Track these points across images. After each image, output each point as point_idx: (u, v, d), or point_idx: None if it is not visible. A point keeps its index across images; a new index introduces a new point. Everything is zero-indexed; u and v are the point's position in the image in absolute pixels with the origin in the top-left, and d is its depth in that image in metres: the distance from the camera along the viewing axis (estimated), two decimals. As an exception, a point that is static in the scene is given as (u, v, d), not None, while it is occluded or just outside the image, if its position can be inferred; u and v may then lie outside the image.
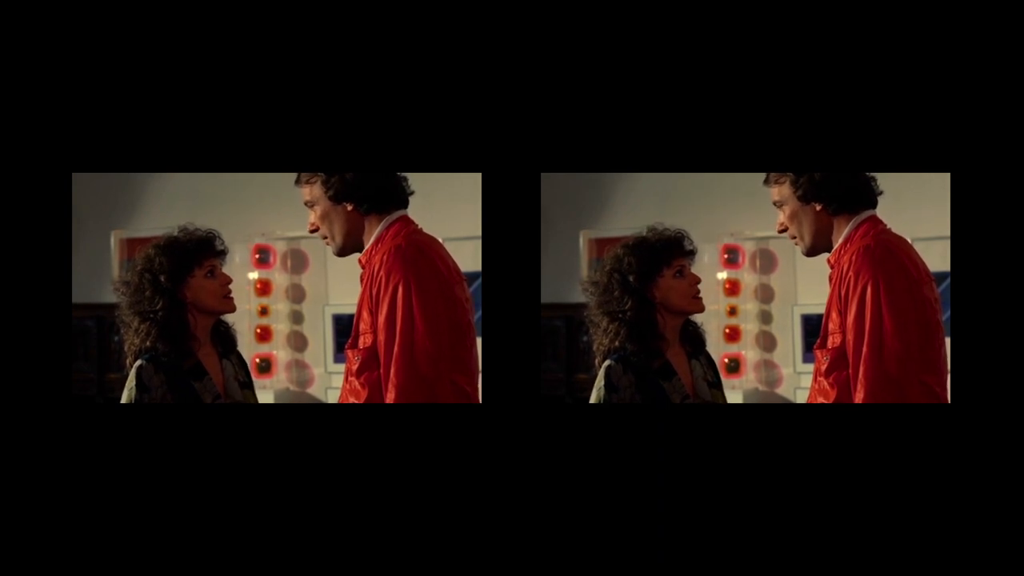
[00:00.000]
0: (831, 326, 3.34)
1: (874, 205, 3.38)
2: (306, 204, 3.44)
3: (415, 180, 3.46)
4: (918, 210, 4.23)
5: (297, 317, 5.34)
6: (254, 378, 3.66)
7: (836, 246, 3.37)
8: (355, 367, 3.36)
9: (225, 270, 3.52)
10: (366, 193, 3.39)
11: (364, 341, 3.36)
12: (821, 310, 3.40)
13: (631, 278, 3.40)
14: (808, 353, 5.01)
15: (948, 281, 3.61)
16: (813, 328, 4.85)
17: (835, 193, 3.35)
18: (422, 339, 3.30)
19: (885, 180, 3.40)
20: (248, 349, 5.14)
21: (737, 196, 5.02)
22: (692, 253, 3.47)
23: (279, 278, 5.33)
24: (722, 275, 5.21)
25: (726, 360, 5.14)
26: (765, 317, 5.20)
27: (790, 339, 5.15)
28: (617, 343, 3.39)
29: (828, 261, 3.39)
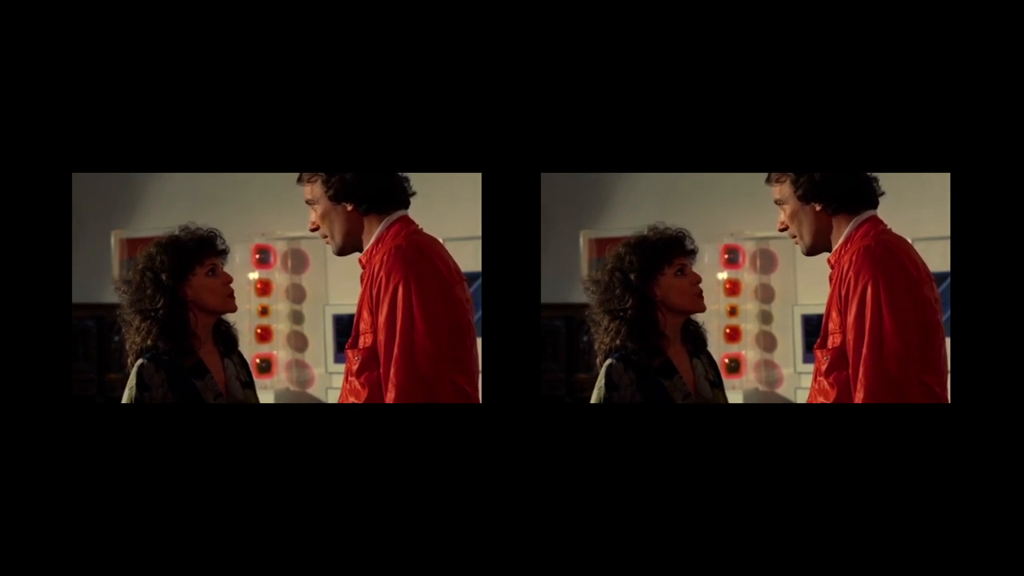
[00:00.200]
0: (831, 326, 3.34)
1: (875, 205, 3.38)
2: (307, 203, 3.44)
3: (415, 180, 3.46)
4: (918, 210, 4.23)
5: (297, 317, 5.33)
6: (254, 378, 3.66)
7: (836, 246, 3.37)
8: (355, 367, 3.36)
9: (225, 270, 3.52)
10: (366, 193, 3.39)
11: (364, 341, 3.36)
12: (821, 310, 3.40)
13: (632, 276, 3.41)
14: (808, 353, 5.01)
15: (948, 281, 3.61)
16: (813, 328, 4.85)
17: (835, 193, 3.35)
18: (422, 339, 3.30)
19: (885, 180, 3.40)
20: (248, 349, 5.14)
21: (737, 196, 5.02)
22: (693, 252, 3.47)
23: (279, 278, 5.32)
24: (722, 275, 5.21)
25: (726, 360, 5.13)
26: (765, 317, 5.20)
27: (790, 339, 5.14)
28: (618, 341, 3.40)
29: (828, 261, 3.39)
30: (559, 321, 5.20)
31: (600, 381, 3.40)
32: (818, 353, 3.37)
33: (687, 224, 3.52)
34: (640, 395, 3.39)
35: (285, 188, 3.66)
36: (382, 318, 3.32)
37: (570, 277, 5.22)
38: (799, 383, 5.09)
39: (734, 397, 5.01)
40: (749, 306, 5.21)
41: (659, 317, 3.42)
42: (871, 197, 3.38)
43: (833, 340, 3.33)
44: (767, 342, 5.19)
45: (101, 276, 5.28)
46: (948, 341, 3.39)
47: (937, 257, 3.86)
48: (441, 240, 3.46)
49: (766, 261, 5.19)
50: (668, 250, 3.44)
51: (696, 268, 3.49)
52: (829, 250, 3.39)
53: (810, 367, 3.51)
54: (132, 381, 3.42)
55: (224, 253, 3.53)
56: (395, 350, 3.30)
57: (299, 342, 5.32)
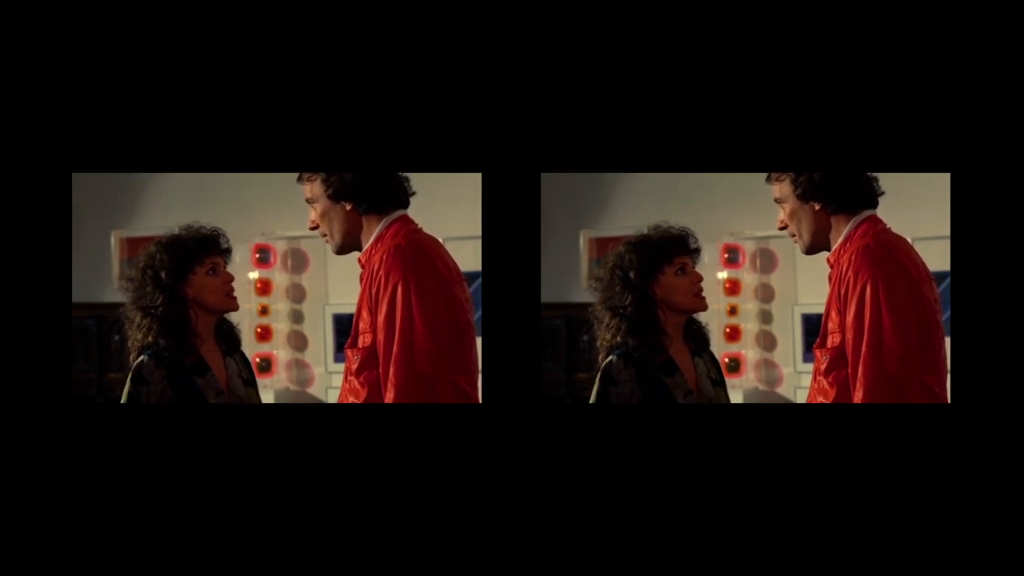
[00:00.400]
0: (831, 325, 3.34)
1: (874, 205, 3.38)
2: (307, 201, 3.45)
3: (415, 180, 3.46)
4: (918, 210, 4.23)
5: (297, 316, 5.34)
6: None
7: (836, 245, 3.37)
8: (355, 366, 3.36)
9: (227, 269, 3.53)
10: (365, 193, 3.39)
11: (364, 340, 3.36)
12: (821, 309, 3.40)
13: (631, 274, 3.42)
14: (808, 352, 5.01)
15: (948, 281, 3.61)
16: (813, 327, 4.85)
17: (833, 193, 3.35)
18: (421, 339, 3.30)
19: (885, 180, 3.40)
20: (248, 348, 5.10)
21: (737, 196, 5.02)
22: (696, 251, 3.48)
23: (279, 277, 5.33)
24: (722, 275, 5.21)
25: (726, 360, 5.13)
26: (765, 316, 5.20)
27: (790, 338, 5.15)
28: (619, 339, 3.41)
29: (828, 260, 3.39)
30: (559, 321, 5.20)
31: (598, 376, 3.41)
32: (817, 353, 3.37)
33: (686, 224, 3.52)
34: (640, 392, 3.39)
35: (285, 188, 3.66)
36: (381, 318, 3.32)
37: (570, 277, 5.22)
38: (799, 382, 5.09)
39: (734, 397, 5.00)
40: (749, 305, 5.21)
41: (659, 315, 3.42)
42: (870, 197, 3.38)
43: (832, 340, 3.33)
44: (767, 341, 5.19)
45: (101, 276, 5.28)
46: (948, 341, 3.39)
47: (937, 257, 3.86)
48: (441, 240, 3.46)
49: (766, 261, 5.19)
50: (669, 249, 3.45)
51: (696, 268, 3.49)
52: (828, 249, 3.39)
53: (810, 366, 3.51)
54: (129, 377, 3.43)
55: (227, 252, 3.54)
56: (394, 349, 3.30)
57: (299, 341, 5.32)
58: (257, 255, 5.29)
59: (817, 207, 3.37)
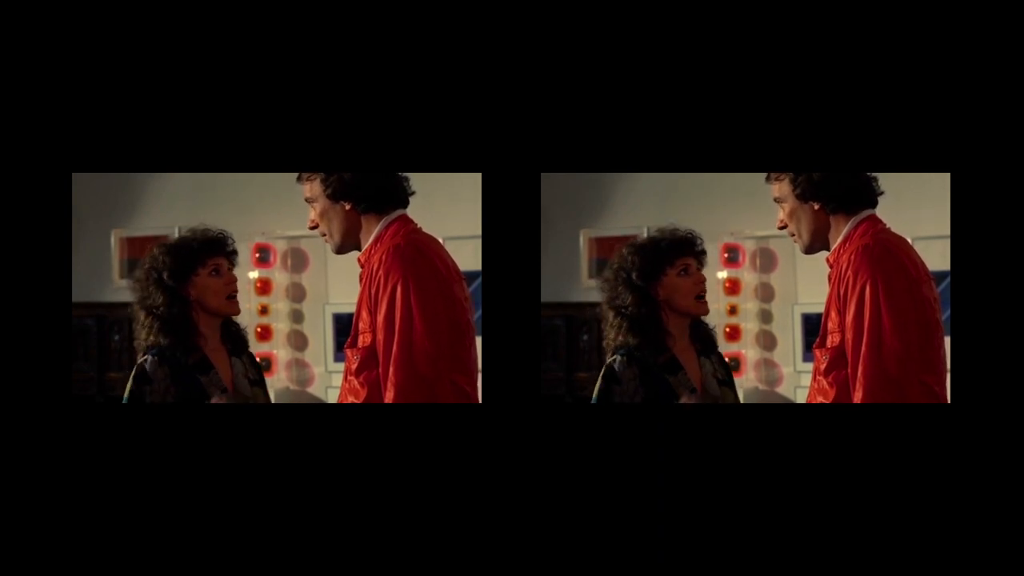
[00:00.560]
0: (830, 325, 3.34)
1: (873, 205, 3.38)
2: (307, 200, 3.45)
3: (415, 180, 3.46)
4: (918, 210, 4.23)
5: (297, 316, 5.34)
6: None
7: (835, 245, 3.37)
8: (354, 366, 3.36)
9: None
10: (364, 193, 3.39)
11: (363, 340, 3.36)
12: (821, 309, 3.41)
13: (633, 275, 3.45)
14: (808, 352, 5.01)
15: (948, 281, 3.61)
16: (813, 327, 4.84)
17: (833, 192, 3.35)
18: (421, 338, 3.30)
19: (885, 180, 3.40)
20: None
21: (737, 196, 5.02)
22: (702, 254, 3.50)
23: (279, 277, 5.33)
24: (722, 274, 5.21)
25: (726, 359, 5.14)
26: (765, 316, 5.20)
27: (790, 338, 5.15)
28: (622, 338, 3.43)
29: (827, 260, 3.39)
30: (559, 320, 5.20)
31: (601, 374, 3.42)
32: (817, 352, 3.37)
33: (686, 224, 3.53)
34: (643, 390, 3.40)
35: (285, 188, 3.66)
36: (381, 317, 3.32)
37: (570, 277, 5.22)
38: (799, 382, 5.09)
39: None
40: (749, 305, 5.21)
41: (662, 315, 3.44)
42: (870, 196, 3.38)
43: (832, 339, 3.33)
44: (767, 341, 5.19)
45: (101, 276, 5.28)
46: (948, 341, 3.39)
47: (937, 256, 3.86)
48: (441, 240, 3.46)
49: (766, 260, 5.19)
50: (672, 251, 3.47)
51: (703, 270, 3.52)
52: (828, 249, 3.39)
53: (810, 366, 3.51)
54: (132, 375, 3.45)
55: (232, 255, 3.56)
56: (394, 349, 3.30)
57: (299, 341, 5.32)
58: (257, 255, 5.29)
59: (816, 207, 3.37)
